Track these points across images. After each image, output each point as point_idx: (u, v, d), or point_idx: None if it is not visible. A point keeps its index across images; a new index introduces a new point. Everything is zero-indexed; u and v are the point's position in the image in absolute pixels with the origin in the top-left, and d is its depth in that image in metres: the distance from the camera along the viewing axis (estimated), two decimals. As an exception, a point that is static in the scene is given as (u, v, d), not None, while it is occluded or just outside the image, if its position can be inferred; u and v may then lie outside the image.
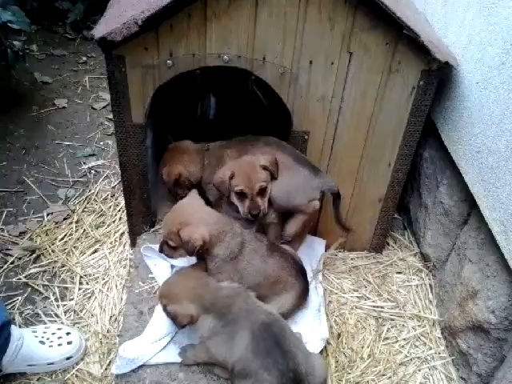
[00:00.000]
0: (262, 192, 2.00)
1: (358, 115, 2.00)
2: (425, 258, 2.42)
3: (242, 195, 1.99)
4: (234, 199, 2.02)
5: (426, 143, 2.35)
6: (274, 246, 1.99)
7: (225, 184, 1.99)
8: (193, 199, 1.93)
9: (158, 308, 1.95)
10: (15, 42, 2.88)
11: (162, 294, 1.80)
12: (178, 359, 1.82)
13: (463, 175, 1.91)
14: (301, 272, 2.00)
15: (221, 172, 2.02)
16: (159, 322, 1.92)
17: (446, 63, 1.82)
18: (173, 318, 1.74)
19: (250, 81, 1.89)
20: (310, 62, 1.86)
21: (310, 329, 1.98)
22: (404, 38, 1.78)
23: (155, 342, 1.85)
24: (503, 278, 1.66)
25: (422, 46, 1.77)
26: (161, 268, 2.15)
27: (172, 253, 1.87)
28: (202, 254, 1.83)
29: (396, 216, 2.69)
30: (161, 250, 1.91)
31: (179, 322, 1.72)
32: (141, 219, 2.27)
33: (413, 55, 1.83)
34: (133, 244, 2.37)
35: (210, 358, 1.75)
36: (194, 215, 1.84)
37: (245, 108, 2.65)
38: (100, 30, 1.76)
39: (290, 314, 2.00)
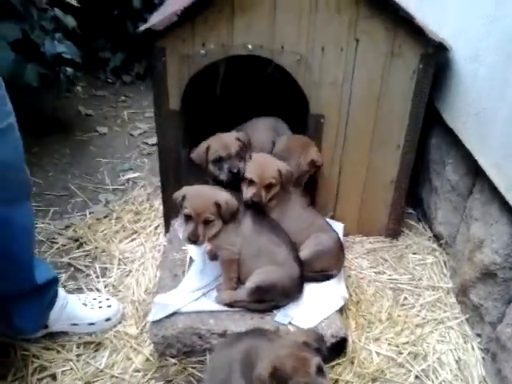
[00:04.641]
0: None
1: (367, 98, 2.26)
2: (438, 237, 2.56)
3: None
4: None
5: (432, 131, 2.58)
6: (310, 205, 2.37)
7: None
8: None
9: (192, 267, 2.16)
10: (67, 68, 3.30)
11: None
12: (210, 308, 1.99)
13: (464, 143, 2.13)
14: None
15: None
16: (193, 278, 2.12)
17: (440, 44, 2.10)
18: None
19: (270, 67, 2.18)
20: (322, 49, 2.16)
21: (330, 289, 2.12)
22: (402, 23, 2.08)
23: (188, 294, 2.03)
24: (504, 221, 1.82)
25: (418, 29, 2.06)
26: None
27: None
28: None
29: (411, 211, 2.87)
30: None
31: None
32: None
33: (411, 40, 2.11)
34: (167, 229, 2.60)
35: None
36: None
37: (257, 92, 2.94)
38: (144, 26, 2.12)
39: (328, 256, 2.18)
